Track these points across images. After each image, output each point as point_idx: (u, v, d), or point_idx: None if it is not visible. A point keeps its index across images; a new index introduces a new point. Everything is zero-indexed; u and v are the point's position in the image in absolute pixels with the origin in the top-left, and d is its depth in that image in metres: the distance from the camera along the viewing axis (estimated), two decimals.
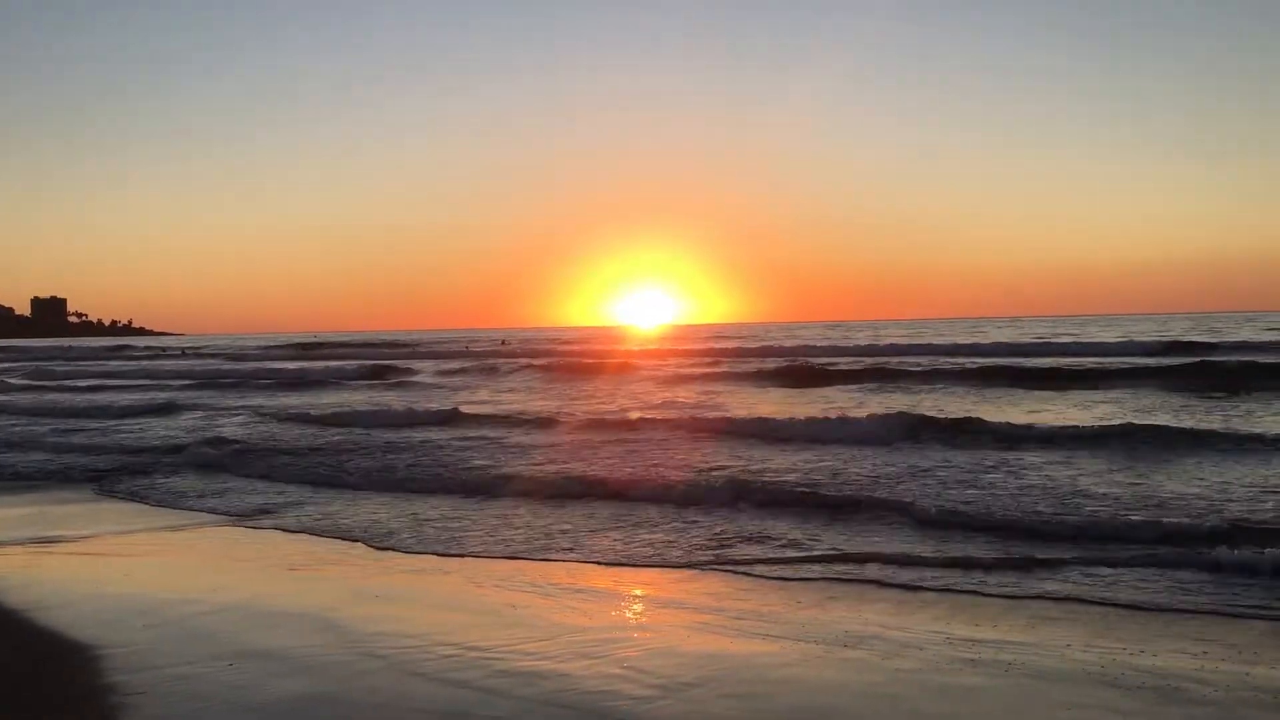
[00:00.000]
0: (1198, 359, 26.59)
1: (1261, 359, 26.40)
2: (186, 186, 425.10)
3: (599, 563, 7.86)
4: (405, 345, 72.17)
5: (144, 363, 57.44)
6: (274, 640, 5.64)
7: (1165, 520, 8.05)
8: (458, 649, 5.39)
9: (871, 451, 12.95)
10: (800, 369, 31.42)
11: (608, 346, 60.08)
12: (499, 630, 5.81)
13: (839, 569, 7.35)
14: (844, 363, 34.06)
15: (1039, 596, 6.47)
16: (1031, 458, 12.12)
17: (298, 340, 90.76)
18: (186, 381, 36.38)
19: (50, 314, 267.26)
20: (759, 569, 7.43)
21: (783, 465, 12.07)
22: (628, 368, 37.41)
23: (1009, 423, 15.03)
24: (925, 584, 6.85)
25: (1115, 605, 6.23)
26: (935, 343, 49.11)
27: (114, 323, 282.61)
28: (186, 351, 78.10)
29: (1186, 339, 42.79)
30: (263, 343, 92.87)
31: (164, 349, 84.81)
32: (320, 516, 10.11)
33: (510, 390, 28.64)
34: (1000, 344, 45.87)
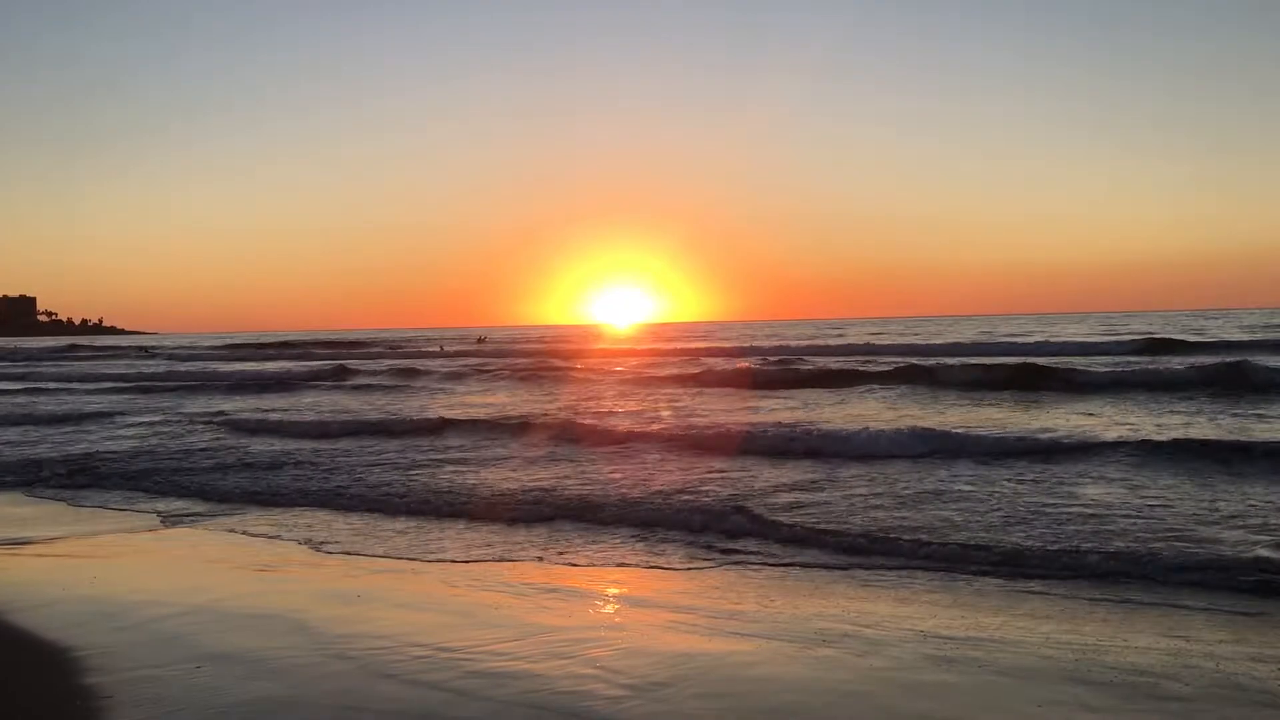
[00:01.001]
0: (1227, 360, 23.53)
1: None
2: (161, 183, 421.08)
3: (572, 564, 7.83)
4: (376, 344, 71.86)
5: (85, 365, 54.50)
6: (242, 642, 5.57)
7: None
8: (429, 650, 5.35)
9: (880, 469, 11.68)
10: (782, 370, 30.28)
11: (583, 346, 59.81)
12: (471, 630, 5.77)
13: (815, 572, 7.37)
14: (830, 363, 33.12)
15: (1013, 593, 6.50)
16: (1059, 472, 11.00)
17: (268, 340, 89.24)
18: (120, 385, 33.78)
19: (19, 313, 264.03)
20: (735, 569, 7.44)
21: (773, 482, 11.43)
22: (601, 369, 35.99)
23: (1020, 434, 13.84)
24: (903, 583, 6.87)
25: (1089, 600, 6.27)
26: (916, 343, 48.82)
27: (84, 321, 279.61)
28: (150, 350, 76.82)
29: (1174, 337, 42.71)
30: (228, 341, 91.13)
31: (141, 348, 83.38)
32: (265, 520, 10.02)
33: (478, 393, 27.77)
34: (983, 343, 45.51)
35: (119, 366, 51.27)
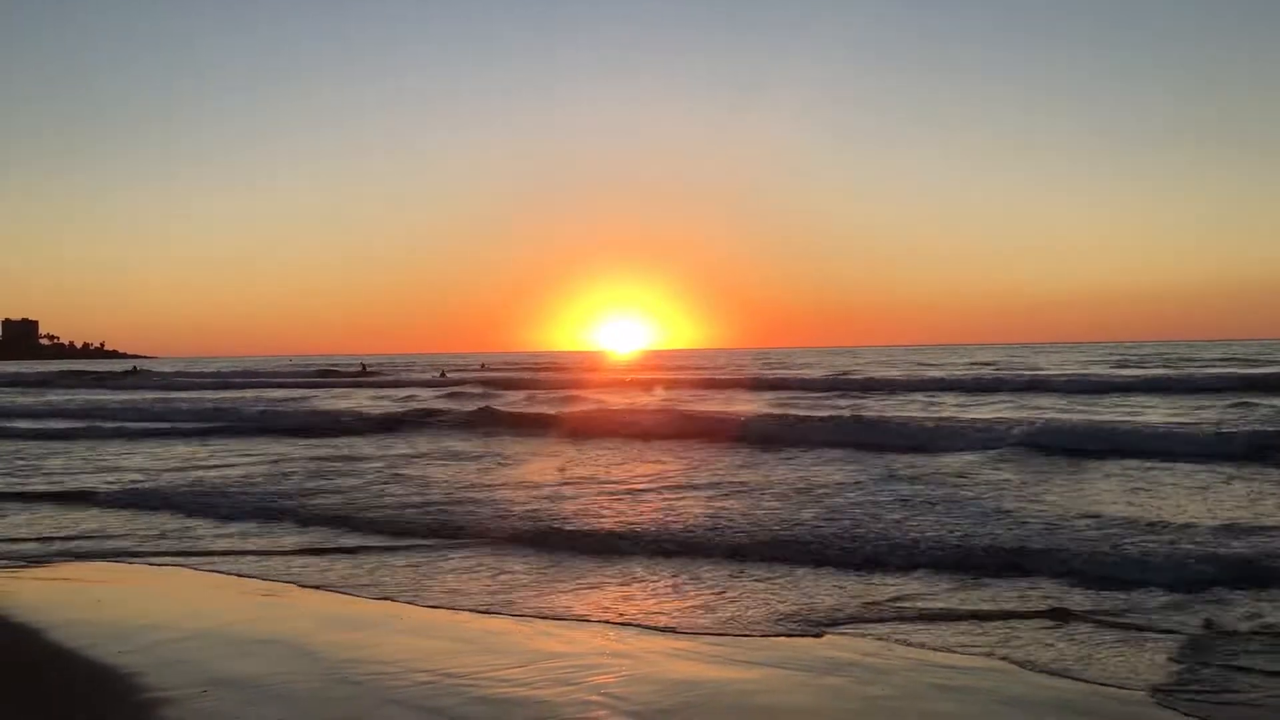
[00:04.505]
0: None
1: None
2: (167, 206, 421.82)
3: (576, 589, 7.84)
4: (345, 372, 68.99)
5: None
6: (248, 668, 5.60)
7: None
8: (434, 675, 5.38)
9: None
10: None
11: (576, 375, 55.95)
12: (476, 656, 5.80)
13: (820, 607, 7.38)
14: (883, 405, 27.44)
15: (1013, 636, 6.52)
16: None
17: (241, 368, 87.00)
18: None
19: (22, 336, 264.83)
20: (741, 592, 7.45)
21: None
22: (587, 416, 24.08)
23: None
24: (907, 612, 6.89)
25: (1094, 629, 6.29)
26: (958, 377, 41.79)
27: (85, 345, 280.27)
28: (135, 371, 79.08)
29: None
30: (214, 369, 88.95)
31: (130, 371, 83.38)
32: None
33: (436, 441, 20.32)
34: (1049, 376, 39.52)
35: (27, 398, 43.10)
